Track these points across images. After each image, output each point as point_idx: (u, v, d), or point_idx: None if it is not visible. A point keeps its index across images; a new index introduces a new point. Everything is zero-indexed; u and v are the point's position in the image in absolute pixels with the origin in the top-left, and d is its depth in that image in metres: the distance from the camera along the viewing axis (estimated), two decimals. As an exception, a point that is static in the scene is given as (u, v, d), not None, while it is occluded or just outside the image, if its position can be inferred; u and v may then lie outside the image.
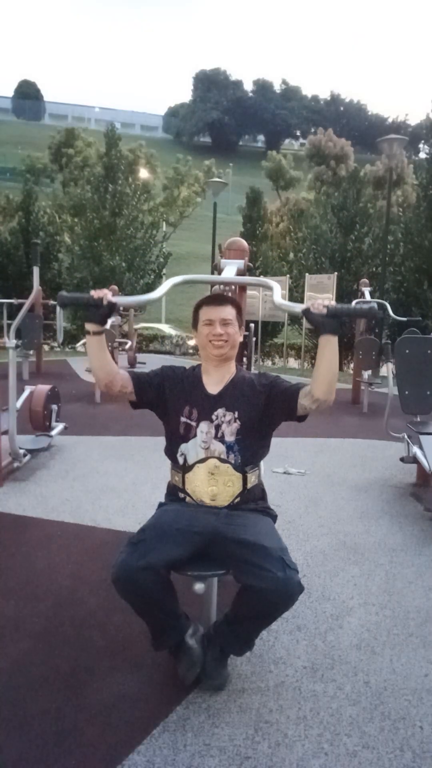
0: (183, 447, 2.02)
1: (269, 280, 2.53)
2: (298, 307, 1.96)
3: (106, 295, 1.91)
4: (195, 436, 2.00)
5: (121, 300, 2.02)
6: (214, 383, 2.06)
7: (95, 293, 1.90)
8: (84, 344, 12.75)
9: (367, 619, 2.45)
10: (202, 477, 1.98)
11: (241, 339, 2.10)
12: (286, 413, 2.01)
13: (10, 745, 1.69)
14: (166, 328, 18.42)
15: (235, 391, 2.03)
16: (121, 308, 2.01)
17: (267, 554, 1.78)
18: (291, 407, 1.98)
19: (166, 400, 2.06)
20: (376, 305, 1.95)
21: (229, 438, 1.98)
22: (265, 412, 2.02)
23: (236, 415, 1.99)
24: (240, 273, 3.03)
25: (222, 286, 2.82)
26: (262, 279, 2.71)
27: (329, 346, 1.86)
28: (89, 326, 1.95)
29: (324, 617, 2.45)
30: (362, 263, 13.34)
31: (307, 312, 1.85)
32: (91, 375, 7.52)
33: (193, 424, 2.00)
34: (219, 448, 1.98)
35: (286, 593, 1.76)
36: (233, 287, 3.10)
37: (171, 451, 2.08)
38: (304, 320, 11.47)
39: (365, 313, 1.89)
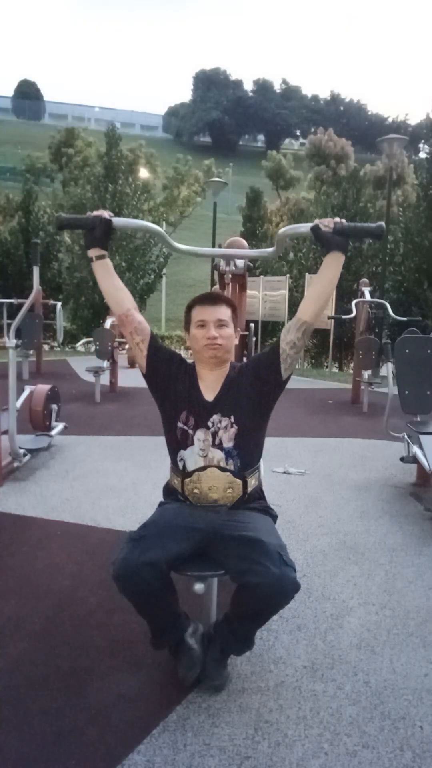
0: (181, 453, 1.99)
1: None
2: (305, 227, 1.89)
3: (102, 213, 1.91)
4: (192, 444, 1.96)
5: (118, 220, 1.97)
6: (209, 388, 2.00)
7: (93, 213, 1.91)
8: (84, 344, 12.88)
9: (367, 618, 2.45)
10: (201, 485, 1.96)
11: (236, 341, 2.06)
12: (274, 372, 1.96)
13: (10, 745, 1.69)
14: None
15: (230, 393, 1.98)
16: (118, 231, 1.95)
17: (264, 550, 1.77)
18: (275, 360, 1.95)
19: (169, 392, 2.01)
20: (383, 225, 1.88)
21: (228, 444, 1.94)
22: (258, 397, 1.99)
23: (232, 419, 1.95)
24: (240, 273, 3.05)
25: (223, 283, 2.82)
26: (260, 250, 2.54)
27: (335, 262, 1.88)
28: (90, 252, 1.94)
29: (324, 617, 2.45)
30: (362, 263, 13.33)
31: (316, 229, 1.84)
32: (91, 375, 7.54)
33: (190, 432, 1.96)
34: (218, 455, 1.94)
35: (281, 589, 1.74)
36: (234, 286, 3.11)
37: (171, 454, 2.06)
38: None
39: (372, 231, 1.86)
